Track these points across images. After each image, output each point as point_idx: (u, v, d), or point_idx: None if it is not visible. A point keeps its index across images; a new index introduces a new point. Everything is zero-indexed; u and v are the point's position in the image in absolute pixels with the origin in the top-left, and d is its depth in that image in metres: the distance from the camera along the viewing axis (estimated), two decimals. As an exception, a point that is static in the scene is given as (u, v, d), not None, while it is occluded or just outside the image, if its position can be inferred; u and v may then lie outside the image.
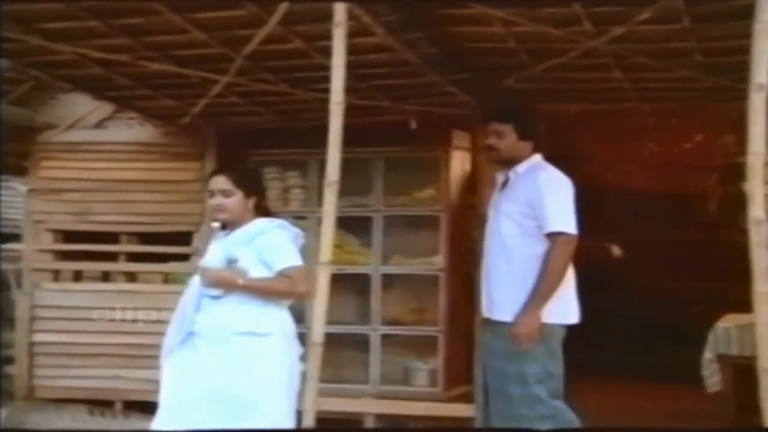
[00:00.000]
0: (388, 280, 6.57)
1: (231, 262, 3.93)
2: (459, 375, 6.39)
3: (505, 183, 4.37)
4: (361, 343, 6.52)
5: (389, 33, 4.48)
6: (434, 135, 6.34)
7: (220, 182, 4.03)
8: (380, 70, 5.10)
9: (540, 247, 4.12)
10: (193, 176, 6.88)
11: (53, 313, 7.07)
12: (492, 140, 4.33)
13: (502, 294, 4.19)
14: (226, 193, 4.01)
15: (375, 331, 6.54)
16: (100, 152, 7.07)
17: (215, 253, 4.03)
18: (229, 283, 3.93)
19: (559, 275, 4.09)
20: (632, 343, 8.89)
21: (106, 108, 7.04)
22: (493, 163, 4.50)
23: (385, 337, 6.53)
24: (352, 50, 3.88)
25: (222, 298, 3.95)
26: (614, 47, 4.71)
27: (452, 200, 6.46)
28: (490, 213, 4.43)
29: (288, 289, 4.00)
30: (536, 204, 4.14)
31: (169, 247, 6.97)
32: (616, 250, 11.61)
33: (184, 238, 6.91)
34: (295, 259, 3.98)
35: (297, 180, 6.75)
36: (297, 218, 6.75)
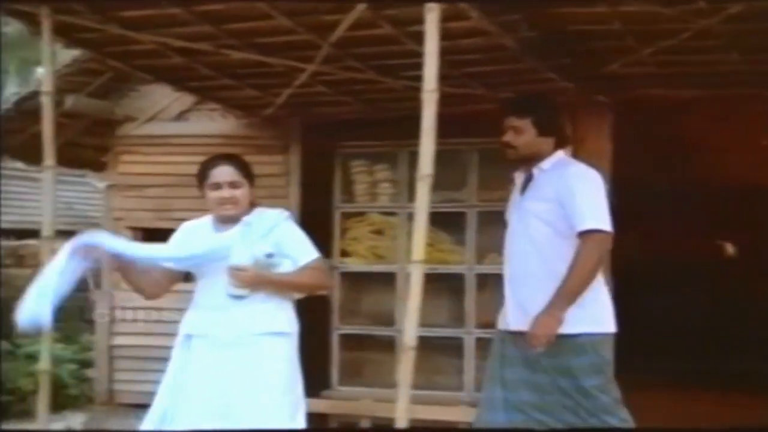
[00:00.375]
0: (483, 281, 6.52)
1: (269, 256, 3.93)
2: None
3: (526, 182, 4.26)
4: (454, 347, 6.49)
5: (485, 16, 4.44)
6: (532, 125, 6.28)
7: (229, 173, 3.99)
8: (475, 56, 5.05)
9: (569, 248, 3.99)
10: (277, 170, 6.92)
11: (133, 314, 7.21)
12: (509, 137, 4.22)
13: (542, 303, 3.99)
14: (235, 185, 3.98)
15: (469, 335, 6.50)
16: (181, 146, 7.17)
17: (227, 248, 3.95)
18: (269, 281, 3.92)
19: (589, 276, 3.96)
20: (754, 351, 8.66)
21: (186, 99, 7.15)
22: (511, 162, 4.38)
23: (480, 341, 6.47)
24: (445, 35, 3.85)
25: (246, 298, 3.93)
26: (731, 27, 4.59)
27: (552, 195, 6.37)
28: (512, 216, 4.33)
29: (321, 282, 4.06)
30: (566, 201, 4.01)
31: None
32: (729, 249, 11.36)
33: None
34: (315, 250, 4.02)
35: (386, 173, 6.74)
36: (386, 214, 6.77)
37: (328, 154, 6.83)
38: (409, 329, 3.71)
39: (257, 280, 3.91)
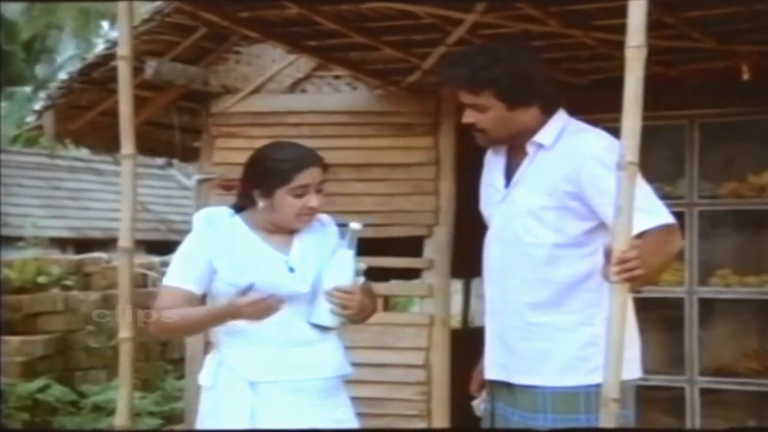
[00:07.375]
0: (710, 308, 6.49)
1: (358, 274, 4.03)
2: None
3: (511, 165, 4.04)
4: (672, 401, 6.48)
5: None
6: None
7: (319, 175, 4.04)
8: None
9: (585, 265, 3.84)
10: (423, 157, 7.00)
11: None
12: (469, 116, 3.99)
13: (530, 345, 3.90)
14: (321, 190, 4.05)
15: (692, 384, 6.48)
16: (295, 125, 7.27)
17: (325, 264, 4.04)
18: (365, 308, 4.04)
19: (671, 259, 3.87)
20: None
21: (303, 64, 7.27)
22: (485, 146, 4.15)
23: (708, 394, 6.44)
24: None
25: (330, 331, 4.04)
26: None
27: (809, 188, 6.31)
28: (491, 214, 4.09)
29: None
30: (592, 191, 3.82)
31: (392, 258, 7.09)
32: None
33: (412, 246, 7.06)
34: None
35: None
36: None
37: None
38: (611, 376, 3.69)
39: (362, 307, 4.02)
